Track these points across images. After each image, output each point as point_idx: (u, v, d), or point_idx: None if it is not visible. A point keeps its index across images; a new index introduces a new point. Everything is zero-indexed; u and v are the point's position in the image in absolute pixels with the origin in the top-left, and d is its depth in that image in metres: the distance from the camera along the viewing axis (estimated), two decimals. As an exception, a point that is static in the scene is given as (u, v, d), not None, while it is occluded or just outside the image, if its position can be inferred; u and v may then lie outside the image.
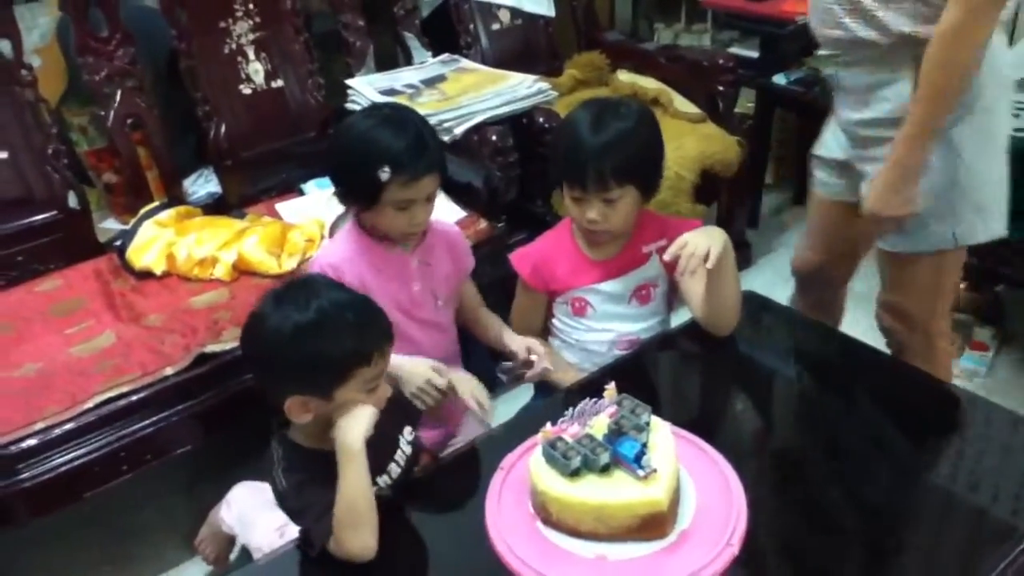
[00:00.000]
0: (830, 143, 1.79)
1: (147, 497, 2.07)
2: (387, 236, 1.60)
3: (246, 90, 2.44)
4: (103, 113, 2.26)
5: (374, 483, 1.35)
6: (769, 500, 1.28)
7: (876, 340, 1.83)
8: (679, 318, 1.71)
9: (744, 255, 2.96)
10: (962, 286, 2.48)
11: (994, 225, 1.63)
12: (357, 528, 1.18)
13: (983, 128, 1.55)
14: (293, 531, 1.56)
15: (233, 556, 1.82)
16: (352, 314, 1.23)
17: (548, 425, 1.21)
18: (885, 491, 1.31)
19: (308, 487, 1.25)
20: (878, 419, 1.48)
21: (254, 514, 1.72)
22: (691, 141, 2.61)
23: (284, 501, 1.32)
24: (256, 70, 2.45)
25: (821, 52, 1.70)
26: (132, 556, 1.98)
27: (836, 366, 1.62)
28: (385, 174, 1.48)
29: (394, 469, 1.40)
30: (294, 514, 1.28)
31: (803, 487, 1.34)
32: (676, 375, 1.64)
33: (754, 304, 1.73)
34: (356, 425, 1.22)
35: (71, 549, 2.01)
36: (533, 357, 1.59)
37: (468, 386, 1.53)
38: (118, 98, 2.25)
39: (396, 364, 1.45)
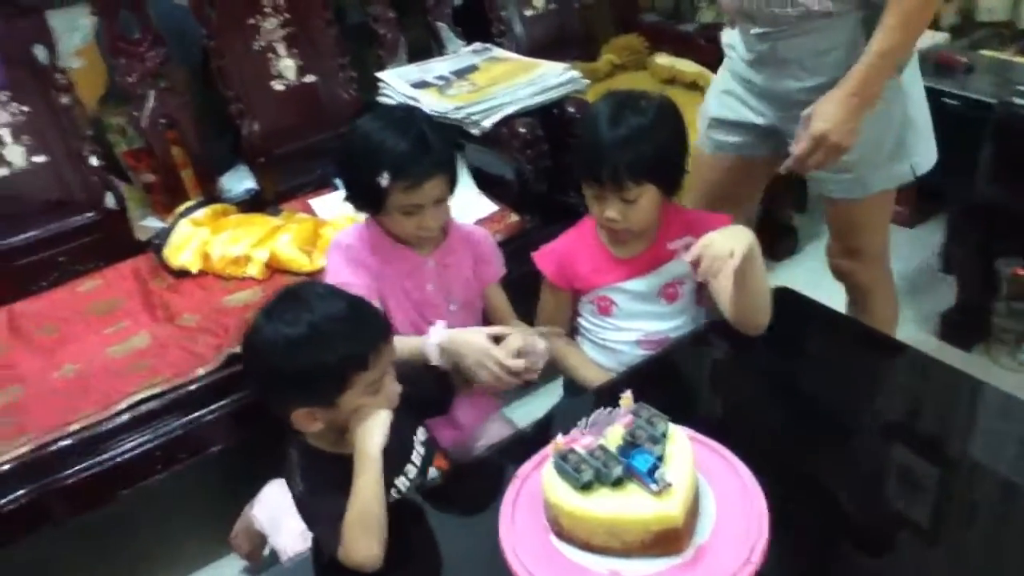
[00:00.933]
0: (741, 110, 1.80)
1: (182, 495, 2.10)
2: (400, 239, 1.59)
3: (278, 86, 2.45)
4: (137, 114, 2.29)
5: (392, 485, 1.35)
6: (794, 514, 1.23)
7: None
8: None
9: (789, 242, 2.88)
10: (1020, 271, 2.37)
11: (932, 154, 1.77)
12: (365, 536, 1.18)
13: (915, 63, 1.70)
14: None
15: (267, 552, 1.84)
16: (343, 322, 1.21)
17: (560, 436, 1.18)
18: (924, 509, 1.26)
19: (322, 494, 1.25)
20: (919, 429, 1.41)
21: (281, 515, 1.73)
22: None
23: (300, 506, 1.32)
24: (287, 66, 2.45)
25: (755, 31, 1.66)
26: (168, 553, 2.02)
27: (875, 370, 1.56)
28: (385, 180, 1.45)
29: (411, 470, 1.40)
30: (308, 520, 1.28)
31: (832, 501, 1.29)
32: (702, 377, 1.60)
33: (789, 301, 1.67)
34: (374, 433, 1.22)
35: (108, 547, 2.05)
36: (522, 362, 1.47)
37: (521, 342, 1.46)
38: (151, 99, 2.27)
39: (450, 337, 1.44)
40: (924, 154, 1.75)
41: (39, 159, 2.15)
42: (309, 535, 1.56)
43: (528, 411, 1.93)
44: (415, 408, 1.45)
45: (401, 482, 1.37)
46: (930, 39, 2.62)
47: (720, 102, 1.83)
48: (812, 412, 1.48)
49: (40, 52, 2.15)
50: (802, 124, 1.56)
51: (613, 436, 1.18)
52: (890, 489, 1.29)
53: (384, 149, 1.47)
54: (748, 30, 1.68)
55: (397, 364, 1.43)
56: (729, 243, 1.39)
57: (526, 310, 1.75)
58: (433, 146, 1.49)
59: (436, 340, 1.48)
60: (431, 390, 1.50)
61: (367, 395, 1.24)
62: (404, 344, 1.50)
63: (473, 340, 1.46)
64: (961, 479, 1.32)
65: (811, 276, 2.74)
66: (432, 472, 1.44)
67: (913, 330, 2.49)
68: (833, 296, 2.58)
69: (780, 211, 2.82)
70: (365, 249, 1.59)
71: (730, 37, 1.80)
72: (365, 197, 1.53)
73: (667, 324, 1.63)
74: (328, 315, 1.22)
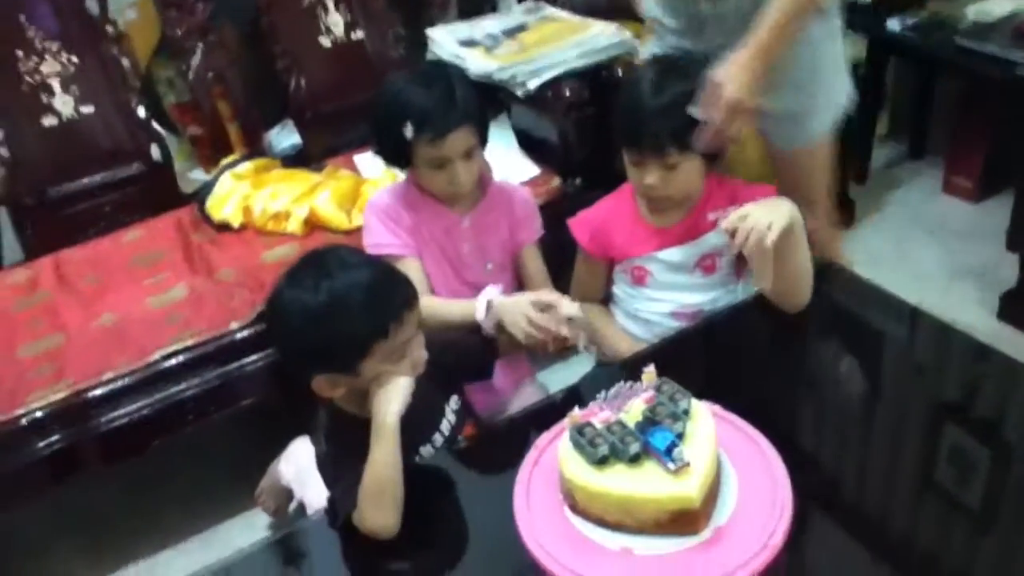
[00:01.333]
0: None
1: (213, 448, 2.13)
2: (437, 197, 1.56)
3: (326, 42, 2.43)
4: (185, 67, 2.29)
5: (416, 454, 1.33)
6: (822, 499, 1.19)
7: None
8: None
9: (847, 214, 2.76)
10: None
11: (850, 90, 1.77)
12: (381, 505, 1.16)
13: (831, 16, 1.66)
14: None
15: (292, 508, 1.86)
16: (364, 291, 1.17)
17: (576, 409, 1.14)
18: (971, 498, 1.19)
19: (344, 456, 1.24)
20: (964, 417, 1.34)
21: (310, 470, 1.74)
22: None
23: (321, 467, 1.32)
24: (336, 22, 2.43)
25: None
26: (199, 504, 2.05)
27: (917, 351, 1.49)
28: (409, 131, 1.43)
29: (437, 439, 1.38)
30: (327, 481, 1.28)
31: (863, 488, 1.23)
32: (736, 352, 1.53)
33: (835, 277, 1.60)
34: (392, 400, 1.19)
35: (139, 496, 2.10)
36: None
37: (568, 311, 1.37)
38: (199, 52, 2.28)
39: (499, 303, 1.42)
40: (848, 92, 1.76)
41: (87, 109, 2.18)
42: None
43: (561, 377, 1.89)
44: (453, 375, 1.43)
45: (426, 451, 1.36)
46: (1010, 5, 2.47)
47: (661, 44, 1.73)
48: (850, 395, 1.42)
49: (91, 3, 2.16)
50: (707, 88, 1.44)
51: (633, 411, 1.14)
52: (934, 484, 1.23)
53: (409, 101, 1.45)
54: None
55: (440, 329, 1.42)
56: (768, 216, 1.32)
57: (564, 277, 1.71)
58: (459, 99, 1.46)
59: (484, 302, 1.45)
60: (475, 355, 1.47)
61: (389, 362, 1.20)
62: (454, 307, 1.49)
63: (512, 301, 1.43)
64: (1012, 472, 1.25)
65: (869, 252, 2.65)
66: (460, 441, 1.42)
67: (972, 310, 2.37)
68: (896, 273, 2.50)
69: (836, 182, 2.70)
70: (401, 207, 1.58)
71: (651, 9, 1.71)
72: (393, 150, 1.52)
73: (703, 296, 1.57)
74: (349, 283, 1.17)
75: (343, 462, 1.23)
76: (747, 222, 1.32)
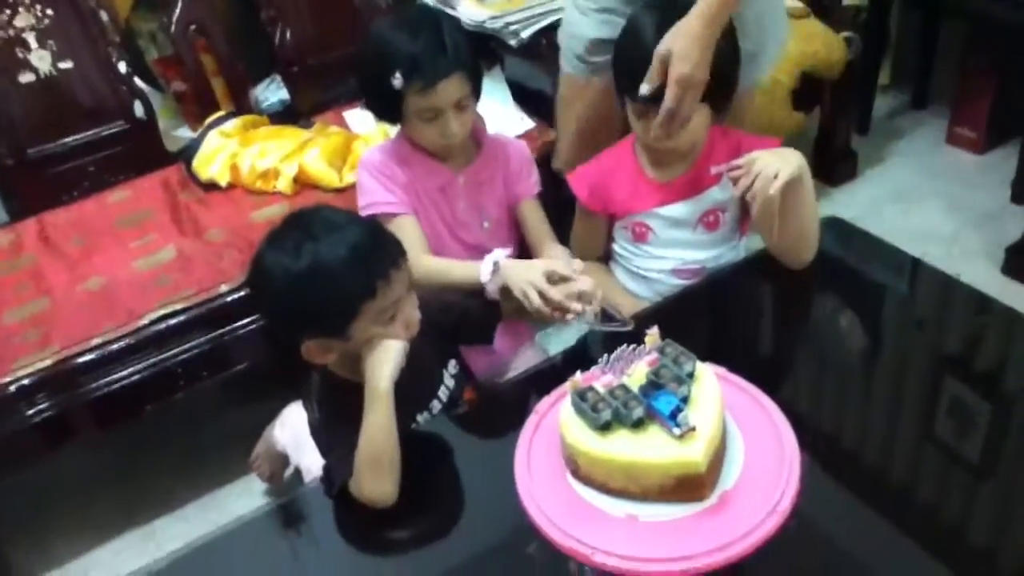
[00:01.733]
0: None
1: (206, 413, 2.10)
2: (428, 151, 1.50)
3: (313, -8, 2.34)
4: (166, 19, 2.21)
5: (414, 421, 1.30)
6: (830, 460, 1.16)
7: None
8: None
9: (848, 166, 2.72)
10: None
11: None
12: (377, 473, 1.13)
13: None
14: None
15: (287, 474, 1.83)
16: (349, 250, 1.11)
17: (578, 373, 1.11)
18: (974, 452, 1.17)
19: (337, 423, 1.21)
20: (971, 371, 1.31)
21: (306, 435, 1.71)
22: (791, 40, 2.32)
23: (314, 433, 1.29)
24: (322, -29, 2.34)
25: None
26: (192, 469, 2.03)
27: (927, 308, 1.45)
28: (398, 81, 1.36)
29: (436, 405, 1.34)
30: (321, 449, 1.25)
31: (873, 448, 1.21)
32: (741, 311, 1.49)
33: (838, 231, 1.56)
34: (383, 364, 1.15)
35: (131, 462, 2.07)
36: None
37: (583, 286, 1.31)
38: (180, 4, 2.19)
39: (506, 266, 1.35)
40: (787, 29, 1.72)
41: (66, 65, 2.10)
42: None
43: (563, 339, 1.86)
44: (452, 339, 1.40)
45: (424, 418, 1.32)
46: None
47: (599, 21, 1.61)
48: (857, 352, 1.39)
49: (65, -48, 2.07)
50: (656, 61, 1.35)
51: (636, 375, 1.11)
52: (936, 439, 1.20)
53: (397, 49, 1.38)
54: None
55: (441, 290, 1.37)
56: (776, 164, 1.27)
57: (561, 235, 1.66)
58: (449, 45, 1.39)
59: (490, 264, 1.39)
60: (477, 319, 1.42)
61: (379, 323, 1.16)
62: (456, 268, 1.45)
63: (523, 267, 1.36)
64: (1012, 423, 1.22)
65: (871, 204, 2.61)
66: (461, 405, 1.39)
67: (977, 263, 2.34)
68: (895, 226, 2.46)
69: (838, 134, 2.64)
70: (395, 164, 1.52)
71: None
72: (382, 102, 1.45)
73: (706, 253, 1.53)
74: (333, 244, 1.12)
75: (337, 429, 1.20)
76: (754, 166, 1.28)
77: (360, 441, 1.14)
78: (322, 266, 1.11)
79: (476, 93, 1.47)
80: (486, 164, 1.56)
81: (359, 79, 1.50)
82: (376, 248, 1.15)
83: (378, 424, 1.13)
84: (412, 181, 1.52)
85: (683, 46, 1.32)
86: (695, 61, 1.31)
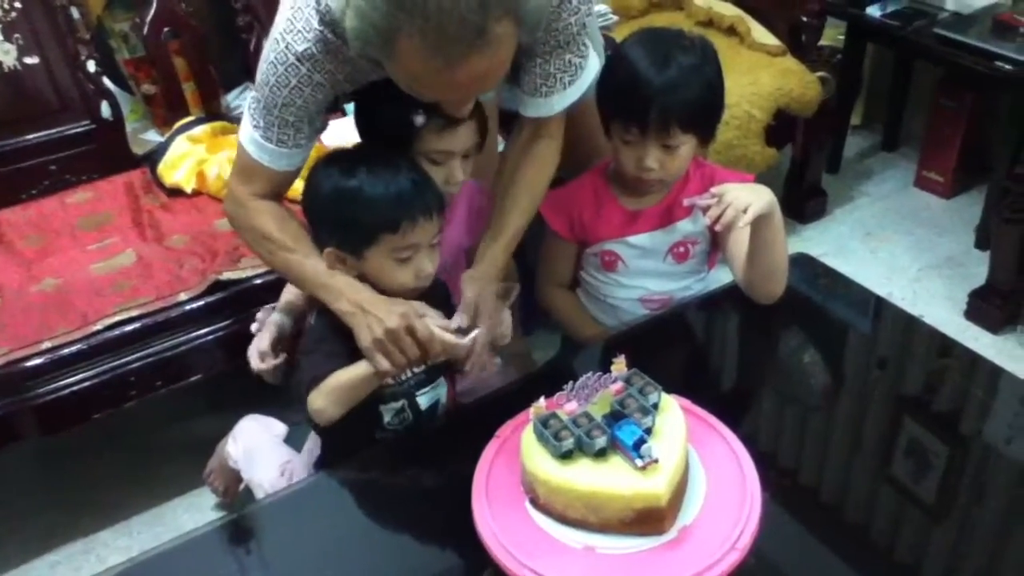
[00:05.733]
0: None
1: (158, 423, 2.05)
2: None
3: (289, 0, 2.31)
4: (139, 20, 2.17)
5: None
6: (791, 497, 1.15)
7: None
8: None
9: (819, 204, 2.74)
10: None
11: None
12: (337, 402, 1.24)
13: None
14: (294, 469, 1.53)
15: (241, 489, 1.78)
16: (386, 186, 1.21)
17: (542, 400, 1.08)
18: (930, 495, 1.16)
19: (326, 338, 1.28)
20: (932, 412, 1.31)
21: (259, 450, 1.67)
22: (767, 76, 2.37)
23: (309, 331, 1.35)
24: (301, -21, 2.31)
25: None
26: (143, 482, 1.97)
27: (889, 347, 1.46)
28: (420, 118, 1.26)
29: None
30: (305, 350, 1.34)
31: (834, 486, 1.20)
32: (708, 343, 1.49)
33: (806, 268, 1.56)
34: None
35: (78, 470, 2.01)
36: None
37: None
38: (154, 5, 2.15)
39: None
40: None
41: (31, 60, 2.04)
42: (287, 469, 1.54)
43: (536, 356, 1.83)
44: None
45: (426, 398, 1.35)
46: (992, -4, 2.45)
47: None
48: (820, 390, 1.38)
49: (36, -55, 2.02)
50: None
51: (601, 403, 1.09)
52: (896, 475, 1.20)
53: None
54: None
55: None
56: (748, 197, 1.28)
57: (531, 259, 1.64)
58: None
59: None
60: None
61: (393, 259, 1.25)
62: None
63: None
64: (969, 465, 1.23)
65: (840, 241, 2.63)
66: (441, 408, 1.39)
67: (940, 305, 2.36)
68: (862, 265, 2.48)
69: (810, 171, 2.67)
70: None
71: None
72: (390, 134, 1.30)
73: (674, 284, 1.52)
74: (379, 176, 1.22)
75: (323, 342, 1.28)
76: (725, 197, 1.28)
77: (344, 373, 1.24)
78: (361, 191, 1.21)
79: (481, 143, 1.39)
80: (453, 206, 1.50)
81: (364, 108, 1.37)
82: (414, 193, 1.23)
83: (365, 380, 1.24)
84: None
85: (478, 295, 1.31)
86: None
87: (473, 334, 1.27)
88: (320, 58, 1.18)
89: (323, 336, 1.29)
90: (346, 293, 1.24)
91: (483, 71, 1.04)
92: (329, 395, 1.24)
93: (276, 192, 1.34)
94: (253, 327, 1.48)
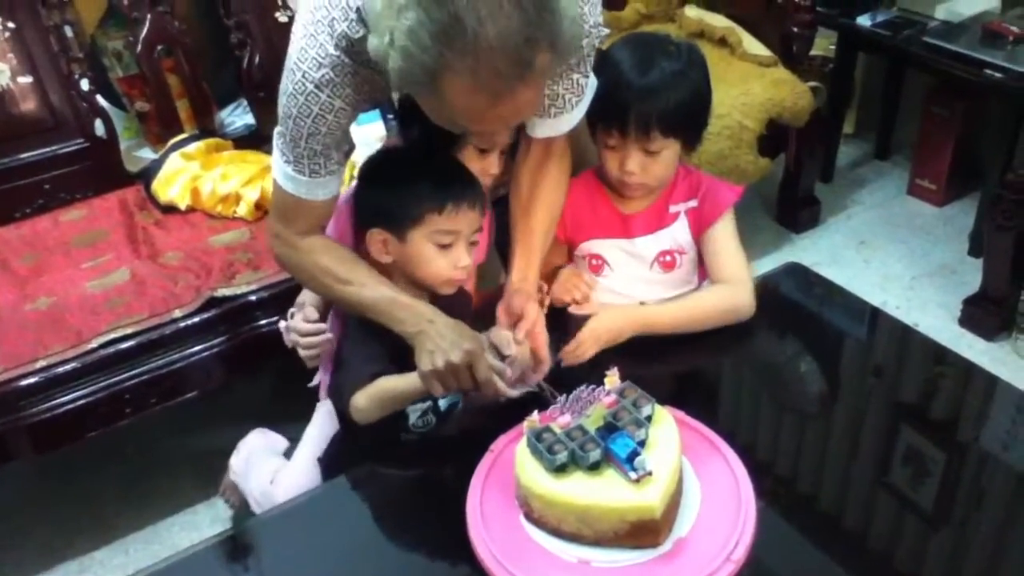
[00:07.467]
0: None
1: (162, 437, 2.04)
2: None
3: (282, 17, 2.31)
4: (132, 38, 2.18)
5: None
6: (786, 509, 1.14)
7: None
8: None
9: (812, 213, 2.75)
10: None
11: None
12: (379, 409, 1.27)
13: None
14: (283, 479, 1.54)
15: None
16: (438, 170, 1.28)
17: (535, 413, 1.08)
18: (926, 506, 1.16)
19: (366, 339, 1.30)
20: (926, 420, 1.31)
21: (254, 460, 1.67)
22: (759, 87, 2.39)
23: (355, 329, 1.34)
24: (293, -5, 2.32)
25: None
26: (139, 499, 1.97)
27: (884, 356, 1.46)
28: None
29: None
30: (340, 358, 1.37)
31: (829, 496, 1.20)
32: (701, 354, 1.48)
33: (799, 277, 1.57)
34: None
35: (75, 489, 2.00)
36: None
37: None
38: (147, 22, 2.16)
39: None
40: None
41: (25, 80, 2.05)
42: (276, 478, 1.55)
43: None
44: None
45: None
46: (979, 5, 2.46)
47: None
48: (815, 399, 1.38)
49: (31, -34, 2.03)
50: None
51: (594, 416, 1.09)
52: (893, 484, 1.20)
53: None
54: None
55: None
56: (607, 332, 1.37)
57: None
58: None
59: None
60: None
61: (434, 244, 1.27)
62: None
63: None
64: (965, 473, 1.23)
65: (833, 250, 2.64)
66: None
67: (934, 313, 2.37)
68: (856, 274, 2.49)
69: (803, 180, 2.68)
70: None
71: None
72: (441, 129, 1.27)
73: (662, 294, 1.51)
74: (434, 161, 1.29)
75: (363, 344, 1.31)
76: (583, 332, 1.35)
77: (393, 381, 1.26)
78: (413, 171, 1.28)
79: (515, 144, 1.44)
80: None
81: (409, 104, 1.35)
82: (462, 182, 1.29)
83: (413, 395, 1.26)
84: None
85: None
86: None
87: (520, 392, 1.26)
88: (338, 82, 1.17)
89: (363, 338, 1.31)
90: (409, 319, 1.24)
91: (526, 103, 1.04)
92: (373, 398, 1.26)
93: (319, 226, 1.33)
94: (282, 324, 1.47)
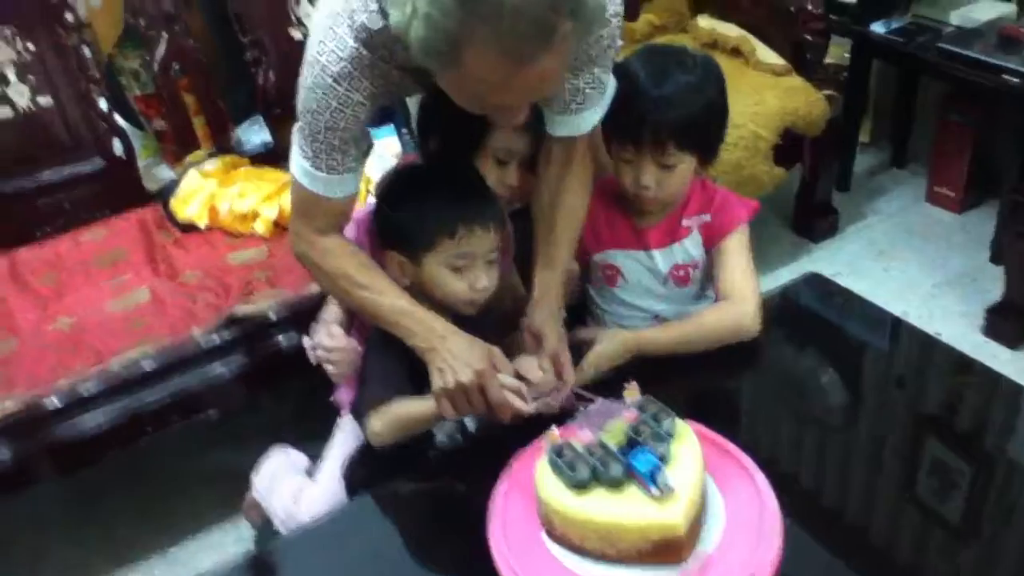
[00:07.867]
0: None
1: (181, 456, 2.04)
2: None
3: (297, 34, 2.33)
4: (149, 57, 2.20)
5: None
6: (813, 525, 1.13)
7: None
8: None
9: (829, 222, 2.73)
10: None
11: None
12: (395, 431, 1.27)
13: None
14: (307, 498, 1.53)
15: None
16: (450, 194, 1.26)
17: (554, 428, 1.08)
18: (955, 518, 1.14)
19: (385, 355, 1.30)
20: (952, 431, 1.29)
21: (277, 478, 1.67)
22: (773, 96, 2.38)
23: (371, 346, 1.35)
24: (307, 13, 2.33)
25: None
26: (159, 518, 1.96)
27: (907, 367, 1.45)
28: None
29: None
30: (363, 375, 1.36)
31: (856, 511, 1.18)
32: (721, 366, 1.47)
33: (819, 288, 1.55)
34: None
35: (95, 508, 2.00)
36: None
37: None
38: (164, 42, 2.18)
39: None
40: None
41: (45, 100, 2.07)
42: (299, 497, 1.54)
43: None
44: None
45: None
46: (994, 10, 2.45)
47: None
48: (838, 411, 1.37)
49: (50, -12, 2.06)
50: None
51: (615, 431, 1.08)
52: (920, 497, 1.18)
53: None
54: None
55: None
56: (608, 361, 1.37)
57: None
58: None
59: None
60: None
61: (449, 268, 1.27)
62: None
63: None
64: (993, 486, 1.21)
65: (852, 260, 2.62)
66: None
67: (957, 322, 2.34)
68: (876, 283, 2.47)
69: (819, 190, 2.66)
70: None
71: None
72: (461, 137, 1.36)
73: (676, 309, 1.50)
74: (445, 183, 1.28)
75: (380, 362, 1.31)
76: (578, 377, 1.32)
77: (407, 406, 1.25)
78: (425, 195, 1.28)
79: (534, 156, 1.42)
80: None
81: (435, 105, 1.38)
82: (473, 202, 1.28)
83: (428, 418, 1.26)
84: None
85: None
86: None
87: (534, 405, 1.23)
88: (357, 76, 1.16)
89: (381, 354, 1.31)
90: (422, 334, 1.24)
91: (550, 71, 1.03)
92: (388, 422, 1.26)
93: (338, 224, 1.33)
94: (306, 341, 1.46)
